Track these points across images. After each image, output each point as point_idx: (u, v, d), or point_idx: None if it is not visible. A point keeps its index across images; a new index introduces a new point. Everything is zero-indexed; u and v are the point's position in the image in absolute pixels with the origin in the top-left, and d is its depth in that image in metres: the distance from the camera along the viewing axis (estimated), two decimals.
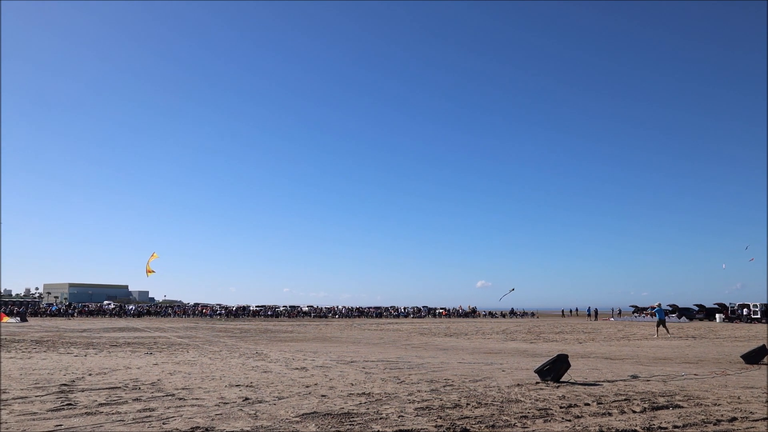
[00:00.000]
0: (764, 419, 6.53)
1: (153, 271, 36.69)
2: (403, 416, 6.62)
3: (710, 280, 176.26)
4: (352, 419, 6.45)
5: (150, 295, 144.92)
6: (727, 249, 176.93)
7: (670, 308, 59.50)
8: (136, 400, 7.74)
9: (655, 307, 29.10)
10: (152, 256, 37.08)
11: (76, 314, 62.23)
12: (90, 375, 10.54)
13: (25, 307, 64.75)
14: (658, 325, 28.07)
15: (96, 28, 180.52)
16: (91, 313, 64.18)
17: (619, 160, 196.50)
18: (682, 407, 7.26)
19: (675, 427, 6.10)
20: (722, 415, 6.72)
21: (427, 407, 7.19)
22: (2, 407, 7.11)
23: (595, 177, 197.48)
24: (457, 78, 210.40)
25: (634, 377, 10.47)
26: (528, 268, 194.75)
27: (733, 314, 52.88)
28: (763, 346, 14.08)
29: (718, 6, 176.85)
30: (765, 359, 13.68)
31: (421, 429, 5.95)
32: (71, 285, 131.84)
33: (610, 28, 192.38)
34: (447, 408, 7.14)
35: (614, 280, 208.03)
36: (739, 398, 8.02)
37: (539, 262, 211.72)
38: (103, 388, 8.79)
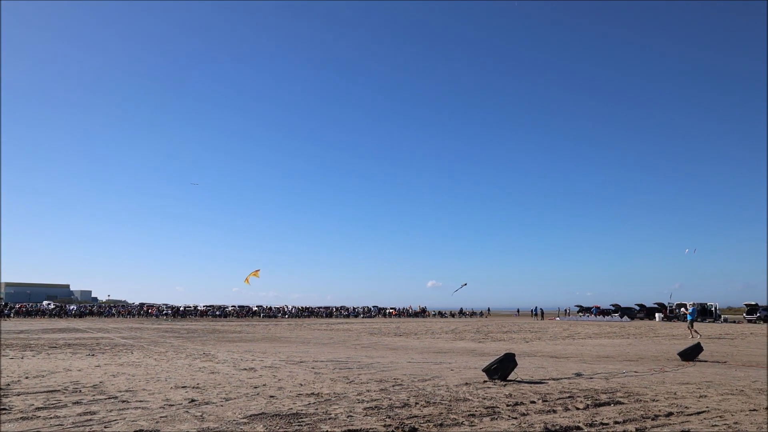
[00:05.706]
0: (698, 413, 6.83)
1: (248, 282, 38.98)
2: (352, 416, 6.61)
3: (651, 279, 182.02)
4: (300, 420, 6.41)
5: (93, 295, 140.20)
6: (667, 249, 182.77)
7: (637, 307, 60.90)
8: (77, 403, 7.48)
9: (689, 307, 30.31)
10: (256, 273, 39.04)
11: (12, 314, 59.63)
12: (27, 378, 10.12)
13: None
14: (690, 325, 28.39)
15: (96, 27, 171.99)
16: (29, 314, 61.59)
17: (571, 156, 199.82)
18: (623, 403, 7.52)
19: (616, 422, 6.31)
20: (660, 411, 6.99)
21: (376, 407, 7.21)
22: None
23: (541, 175, 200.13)
24: (416, 66, 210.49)
25: (578, 375, 10.77)
26: (478, 269, 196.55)
27: (671, 313, 55.16)
28: (698, 344, 14.77)
29: (719, 6, 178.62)
30: (700, 356, 14.36)
31: (370, 428, 5.96)
32: (8, 284, 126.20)
33: (607, 28, 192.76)
34: (396, 407, 7.17)
35: (560, 279, 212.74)
36: (675, 394, 8.36)
37: (490, 262, 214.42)
38: (41, 392, 8.46)
